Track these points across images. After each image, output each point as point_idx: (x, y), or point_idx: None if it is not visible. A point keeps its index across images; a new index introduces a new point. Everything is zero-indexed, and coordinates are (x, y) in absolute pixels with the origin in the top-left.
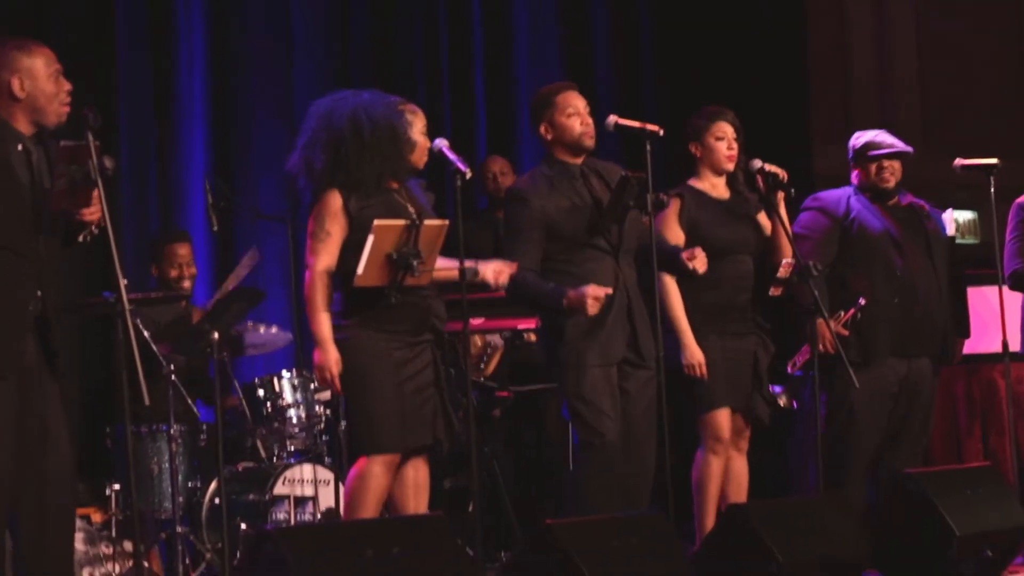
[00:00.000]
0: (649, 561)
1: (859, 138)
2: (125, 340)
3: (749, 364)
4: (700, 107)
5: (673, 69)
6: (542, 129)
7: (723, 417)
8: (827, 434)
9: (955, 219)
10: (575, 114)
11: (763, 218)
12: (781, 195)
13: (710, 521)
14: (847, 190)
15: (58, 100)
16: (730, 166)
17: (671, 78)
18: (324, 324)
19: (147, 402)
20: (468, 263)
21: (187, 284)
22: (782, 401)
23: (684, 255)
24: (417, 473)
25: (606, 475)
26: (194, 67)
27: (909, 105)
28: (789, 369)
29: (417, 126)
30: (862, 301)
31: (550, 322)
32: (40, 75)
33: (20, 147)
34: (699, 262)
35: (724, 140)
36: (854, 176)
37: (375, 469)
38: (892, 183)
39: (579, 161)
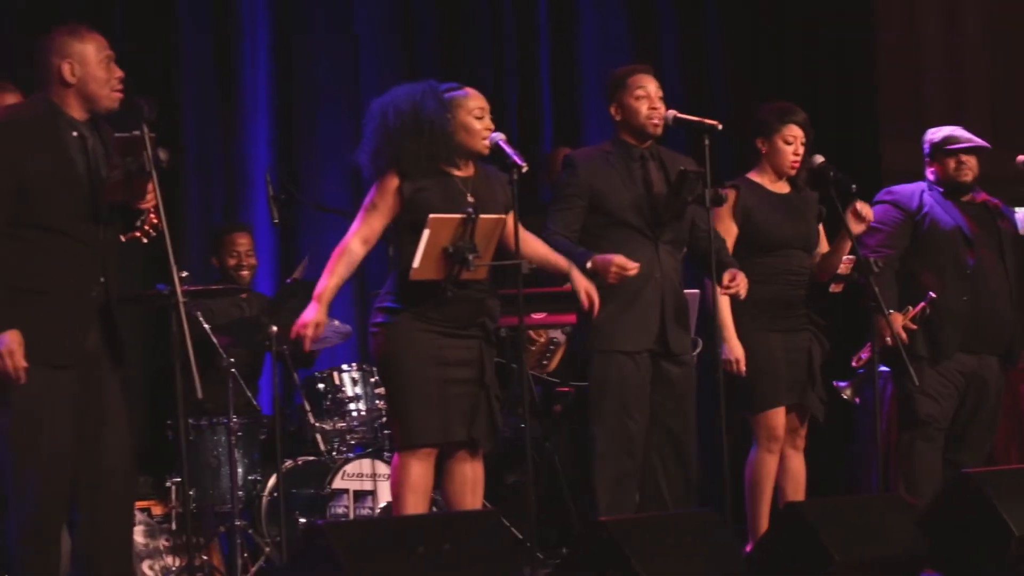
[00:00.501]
0: (703, 559)
1: (936, 133)
2: (179, 332)
3: (803, 360)
4: (768, 100)
5: (741, 61)
6: (612, 110)
7: (780, 416)
8: (897, 431)
9: None
10: (644, 97)
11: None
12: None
13: (763, 520)
14: (920, 185)
15: (109, 86)
16: (792, 171)
17: (739, 69)
18: (328, 285)
19: (200, 395)
20: (564, 262)
21: (245, 273)
22: (846, 395)
23: (725, 277)
24: (474, 471)
25: (625, 467)
26: (258, 59)
27: (979, 101)
28: (854, 363)
29: (467, 107)
30: (932, 294)
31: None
32: (91, 60)
33: (75, 134)
34: (740, 286)
35: (793, 144)
36: (930, 171)
37: (408, 462)
38: (970, 178)
39: (644, 146)
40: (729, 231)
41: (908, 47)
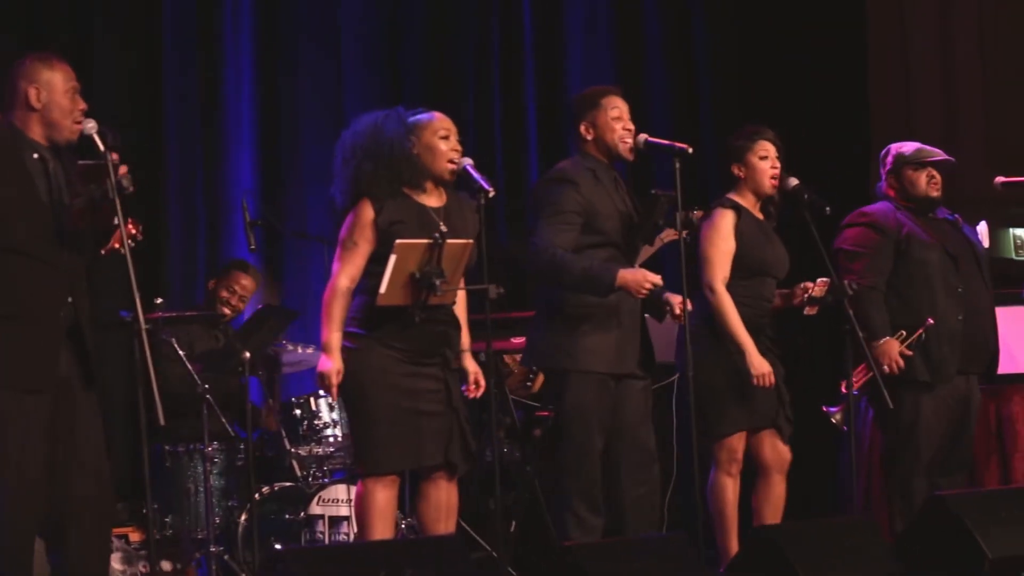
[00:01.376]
0: None
1: (903, 146)
2: (141, 359)
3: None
4: (751, 122)
5: (728, 83)
6: (582, 128)
7: (741, 440)
8: (886, 455)
9: (1016, 236)
10: (619, 118)
11: None
12: None
13: (734, 543)
14: (887, 204)
15: (72, 117)
16: (772, 189)
17: (726, 91)
18: (334, 333)
19: (162, 422)
20: (465, 342)
21: (227, 311)
22: (835, 420)
23: (676, 301)
24: (448, 495)
25: (595, 488)
26: (242, 85)
27: (972, 125)
28: (843, 390)
29: (431, 128)
30: (931, 321)
31: (562, 325)
32: (58, 89)
33: (36, 156)
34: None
35: (768, 159)
36: (892, 188)
37: (372, 489)
38: (939, 193)
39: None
40: (730, 250)
41: (900, 71)
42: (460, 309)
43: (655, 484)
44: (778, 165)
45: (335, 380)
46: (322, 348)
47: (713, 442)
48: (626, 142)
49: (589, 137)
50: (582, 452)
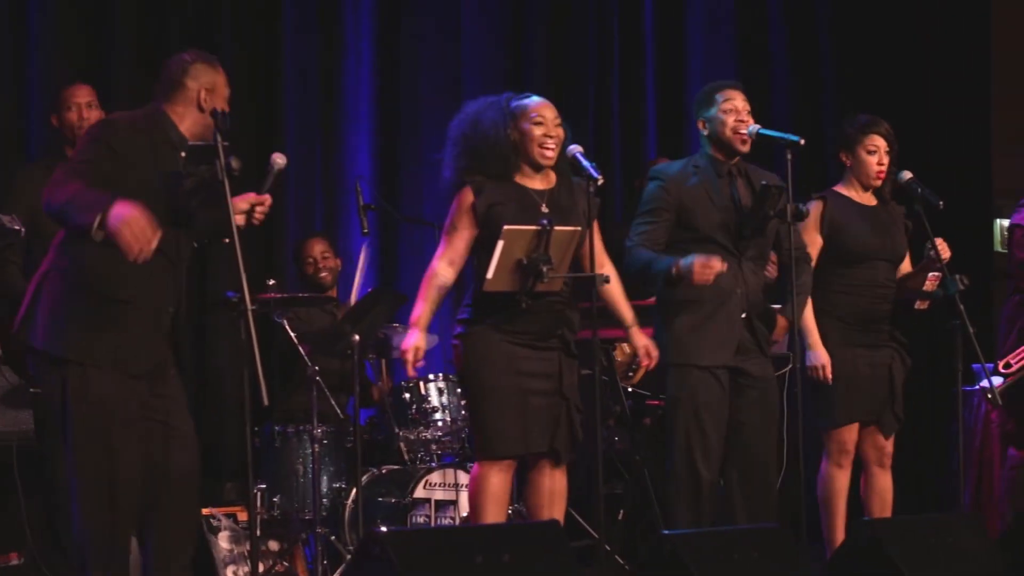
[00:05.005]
0: (770, 575)
1: None
2: (247, 340)
3: (885, 376)
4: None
5: (851, 73)
6: (700, 124)
7: (852, 432)
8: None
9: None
10: (731, 111)
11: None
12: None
13: (840, 535)
14: None
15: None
16: (877, 183)
17: (849, 85)
18: (423, 312)
19: (266, 402)
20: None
21: (325, 275)
22: (990, 396)
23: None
24: (553, 481)
25: (700, 482)
26: (361, 70)
27: None
28: (1001, 368)
29: (527, 115)
30: None
31: (665, 318)
32: (220, 95)
33: (184, 155)
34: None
35: (876, 154)
36: None
37: (487, 473)
38: None
39: (732, 162)
40: (815, 243)
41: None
42: (615, 287)
43: (767, 481)
44: (885, 161)
45: (411, 357)
46: (409, 324)
47: (823, 433)
48: (738, 133)
49: (705, 132)
50: (682, 446)
